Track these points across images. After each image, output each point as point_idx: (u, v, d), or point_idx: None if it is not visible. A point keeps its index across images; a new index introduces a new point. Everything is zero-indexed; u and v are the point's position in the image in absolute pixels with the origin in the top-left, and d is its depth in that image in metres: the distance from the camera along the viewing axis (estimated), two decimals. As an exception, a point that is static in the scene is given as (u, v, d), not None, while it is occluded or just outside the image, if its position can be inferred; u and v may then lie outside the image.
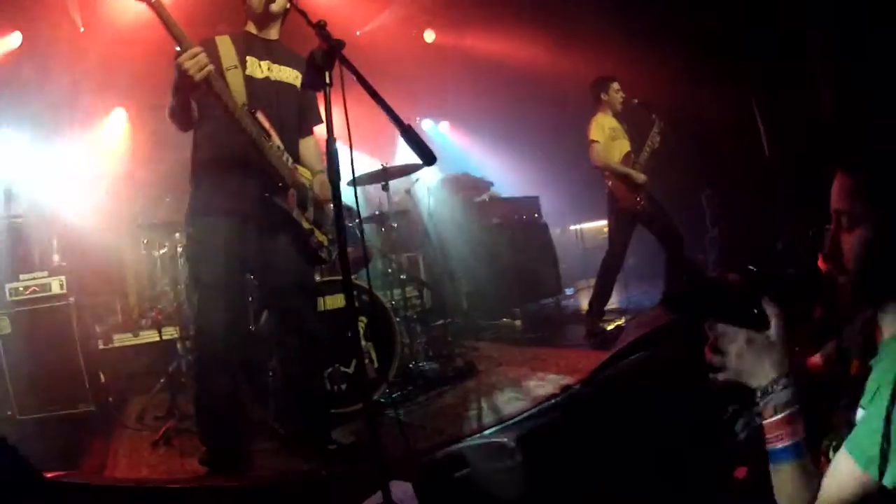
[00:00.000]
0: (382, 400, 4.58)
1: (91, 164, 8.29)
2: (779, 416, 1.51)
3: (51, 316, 5.01)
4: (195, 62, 2.95)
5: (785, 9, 6.17)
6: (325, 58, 2.26)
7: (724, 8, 6.69)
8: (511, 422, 3.86)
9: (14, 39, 7.25)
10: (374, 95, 2.22)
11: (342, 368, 4.44)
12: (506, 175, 9.88)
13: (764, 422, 1.53)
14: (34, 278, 5.06)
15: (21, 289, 4.99)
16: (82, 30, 7.04)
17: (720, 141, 7.83)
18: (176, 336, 5.84)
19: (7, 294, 4.96)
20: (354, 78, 2.25)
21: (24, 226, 5.66)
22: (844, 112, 5.72)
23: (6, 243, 5.55)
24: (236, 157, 3.32)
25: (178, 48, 3.01)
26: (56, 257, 5.48)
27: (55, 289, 5.07)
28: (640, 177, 6.12)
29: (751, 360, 1.56)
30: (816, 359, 1.80)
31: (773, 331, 1.56)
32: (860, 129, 5.16)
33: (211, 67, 3.02)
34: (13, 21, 7.13)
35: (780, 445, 1.49)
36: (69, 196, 7.43)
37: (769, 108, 6.73)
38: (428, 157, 2.21)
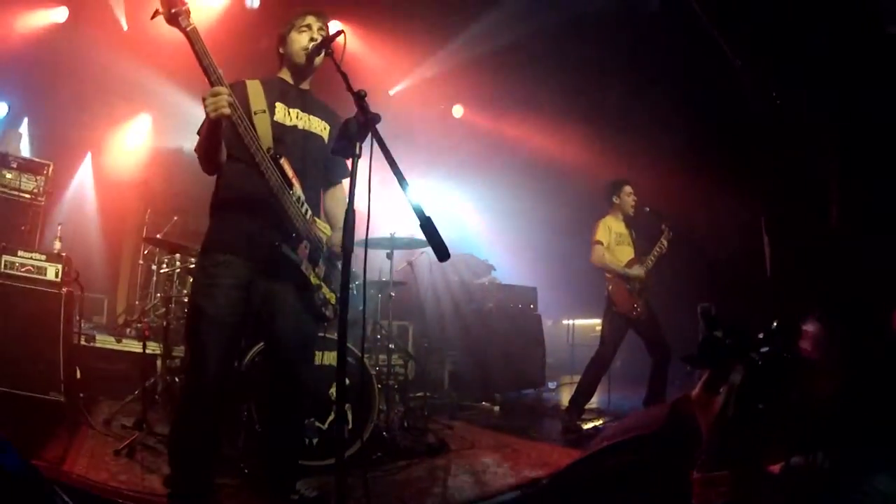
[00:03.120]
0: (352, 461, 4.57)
1: (109, 162, 8.36)
2: (699, 476, 1.58)
3: (40, 300, 5.01)
4: (214, 101, 3.01)
5: (797, 129, 6.34)
6: (360, 129, 2.34)
7: (740, 127, 6.89)
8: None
9: (60, 14, 7.27)
10: (400, 180, 2.26)
11: (317, 423, 4.45)
12: (508, 261, 9.98)
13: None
14: (32, 258, 5.07)
15: (17, 264, 4.99)
16: (126, 29, 7.10)
17: (724, 256, 7.95)
18: (158, 353, 5.84)
19: (2, 265, 4.95)
20: (383, 156, 2.31)
21: (33, 204, 5.68)
22: (850, 233, 5.82)
23: (10, 217, 5.57)
24: (254, 201, 3.37)
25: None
26: (57, 244, 5.49)
27: (50, 275, 5.09)
28: (639, 272, 6.23)
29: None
30: (776, 468, 1.85)
31: (710, 397, 1.63)
32: (855, 261, 5.25)
33: (226, 111, 3.05)
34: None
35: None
36: (81, 187, 7.49)
37: (777, 227, 6.84)
38: (442, 254, 2.22)
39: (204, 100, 3.03)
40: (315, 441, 4.43)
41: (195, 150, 3.37)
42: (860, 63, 5.60)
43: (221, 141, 3.27)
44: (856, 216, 5.88)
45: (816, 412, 1.60)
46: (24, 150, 6.84)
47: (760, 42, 6.35)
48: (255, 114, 3.40)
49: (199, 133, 3.34)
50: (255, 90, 3.49)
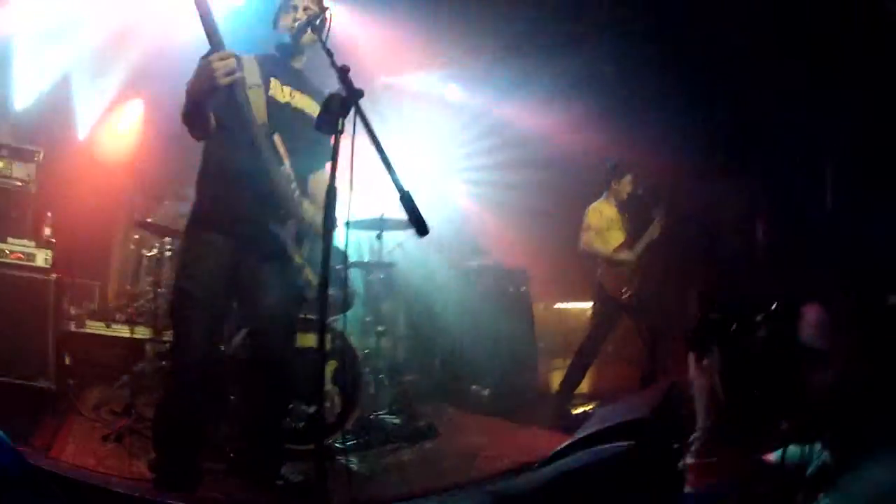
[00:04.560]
0: (337, 445, 4.54)
1: (99, 147, 8.26)
2: (689, 462, 1.55)
3: (29, 286, 4.93)
4: (225, 64, 2.91)
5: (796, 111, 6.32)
6: (342, 104, 2.28)
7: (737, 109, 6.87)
8: (463, 491, 3.84)
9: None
10: (381, 153, 2.21)
11: (303, 407, 4.40)
12: (500, 243, 9.91)
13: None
14: (22, 245, 5.01)
15: (6, 251, 4.93)
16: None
17: (720, 241, 7.92)
18: (147, 337, 5.80)
19: None
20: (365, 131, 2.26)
21: (23, 191, 5.61)
22: (845, 218, 5.81)
23: (1, 205, 5.49)
24: (243, 176, 3.29)
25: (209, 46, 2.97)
26: (47, 230, 5.44)
27: (39, 261, 5.01)
28: (629, 256, 6.19)
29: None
30: (771, 456, 1.81)
31: (704, 382, 1.60)
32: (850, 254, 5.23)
33: (239, 75, 3.01)
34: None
35: (686, 489, 1.54)
36: (72, 173, 7.39)
37: (773, 208, 6.83)
38: (420, 229, 2.16)
39: (210, 63, 2.91)
40: (301, 425, 4.39)
41: (184, 116, 3.22)
42: (860, 44, 5.57)
43: (210, 106, 3.15)
44: (852, 200, 5.87)
45: (816, 401, 1.55)
46: (14, 137, 6.72)
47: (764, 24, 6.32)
48: (250, 88, 3.33)
49: (187, 92, 3.14)
50: (249, 65, 3.42)
